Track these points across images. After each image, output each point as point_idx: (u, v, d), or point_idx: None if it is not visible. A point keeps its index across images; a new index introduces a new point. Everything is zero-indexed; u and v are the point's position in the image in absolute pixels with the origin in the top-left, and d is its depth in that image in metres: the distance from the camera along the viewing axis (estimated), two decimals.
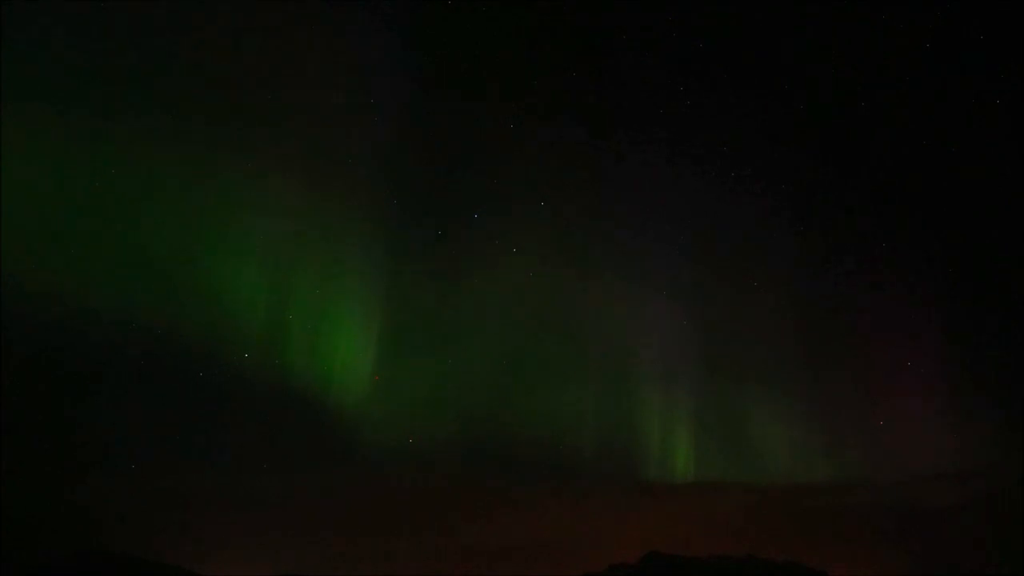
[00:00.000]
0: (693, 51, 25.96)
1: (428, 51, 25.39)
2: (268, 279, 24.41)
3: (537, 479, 24.87)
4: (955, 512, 23.62)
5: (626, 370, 26.00)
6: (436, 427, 24.83)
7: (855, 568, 22.70)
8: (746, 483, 25.45)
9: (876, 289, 26.16)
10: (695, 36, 25.84)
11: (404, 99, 25.23)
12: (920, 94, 25.41)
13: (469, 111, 25.60)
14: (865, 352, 26.06)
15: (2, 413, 21.25)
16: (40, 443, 21.76)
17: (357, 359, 24.82)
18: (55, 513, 21.32)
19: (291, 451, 23.75)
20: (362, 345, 24.88)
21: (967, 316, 25.19)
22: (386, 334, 25.09)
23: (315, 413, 24.21)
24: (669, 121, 26.10)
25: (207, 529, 22.17)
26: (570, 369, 25.85)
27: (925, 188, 25.86)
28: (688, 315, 26.12)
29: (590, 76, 25.92)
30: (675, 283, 26.15)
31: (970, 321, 25.15)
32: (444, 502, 24.30)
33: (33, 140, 22.17)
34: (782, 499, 25.13)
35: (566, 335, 25.94)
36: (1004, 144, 24.78)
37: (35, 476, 21.42)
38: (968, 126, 25.15)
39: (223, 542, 22.16)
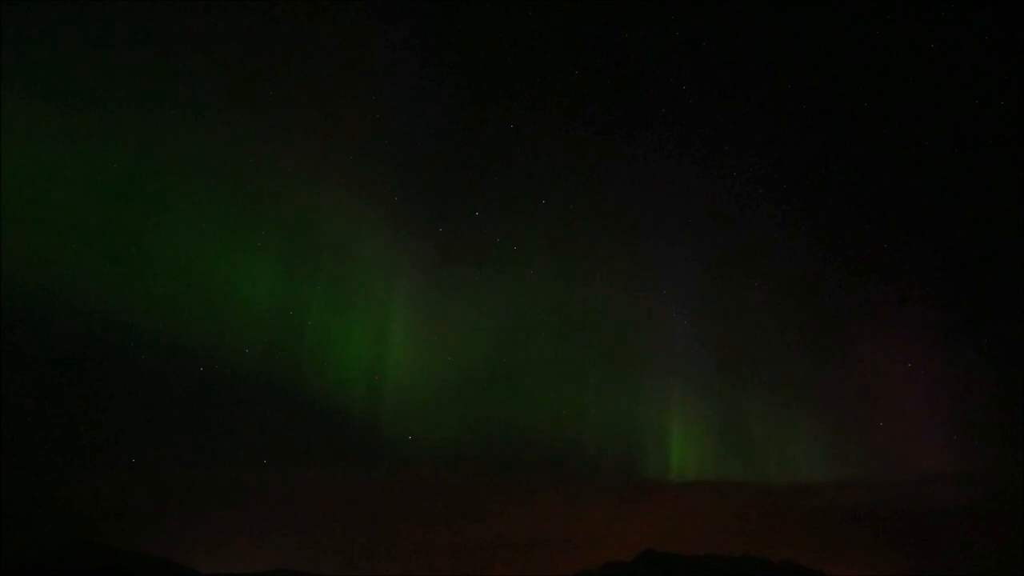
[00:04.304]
0: (698, 51, 26.05)
1: (432, 51, 25.56)
2: (270, 278, 24.54)
3: (537, 477, 24.92)
4: (955, 513, 23.52)
5: (627, 369, 26.04)
6: (436, 425, 24.87)
7: (853, 568, 22.63)
8: (745, 483, 25.44)
9: (878, 290, 26.10)
10: (700, 37, 25.92)
11: (407, 98, 25.39)
12: (924, 95, 25.37)
13: (471, 110, 25.75)
14: (866, 353, 26.01)
15: (2, 408, 21.41)
16: (39, 437, 21.92)
17: (358, 357, 24.90)
18: (53, 506, 21.46)
19: (290, 448, 23.83)
20: (363, 344, 25.01)
21: (968, 318, 25.14)
22: (387, 333, 25.21)
23: (315, 410, 24.29)
24: (673, 121, 26.17)
25: (203, 524, 22.24)
26: (571, 368, 25.89)
27: (927, 190, 25.87)
28: (689, 315, 26.14)
29: (594, 76, 26.00)
30: (677, 283, 26.17)
31: (971, 323, 25.12)
32: (443, 499, 24.35)
33: (34, 139, 22.39)
34: (782, 499, 25.09)
35: (567, 334, 25.99)
36: (1004, 145, 24.75)
37: (34, 470, 21.58)
38: (969, 127, 25.13)
39: (219, 537, 22.24)
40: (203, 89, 24.00)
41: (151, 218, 23.53)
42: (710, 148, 26.29)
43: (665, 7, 25.60)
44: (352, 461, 24.20)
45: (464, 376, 25.23)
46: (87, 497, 21.76)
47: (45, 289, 22.18)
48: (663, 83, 26.00)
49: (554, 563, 22.77)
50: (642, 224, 26.38)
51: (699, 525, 24.07)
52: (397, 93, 25.32)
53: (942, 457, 24.62)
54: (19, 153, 22.22)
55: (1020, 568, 21.67)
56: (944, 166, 25.44)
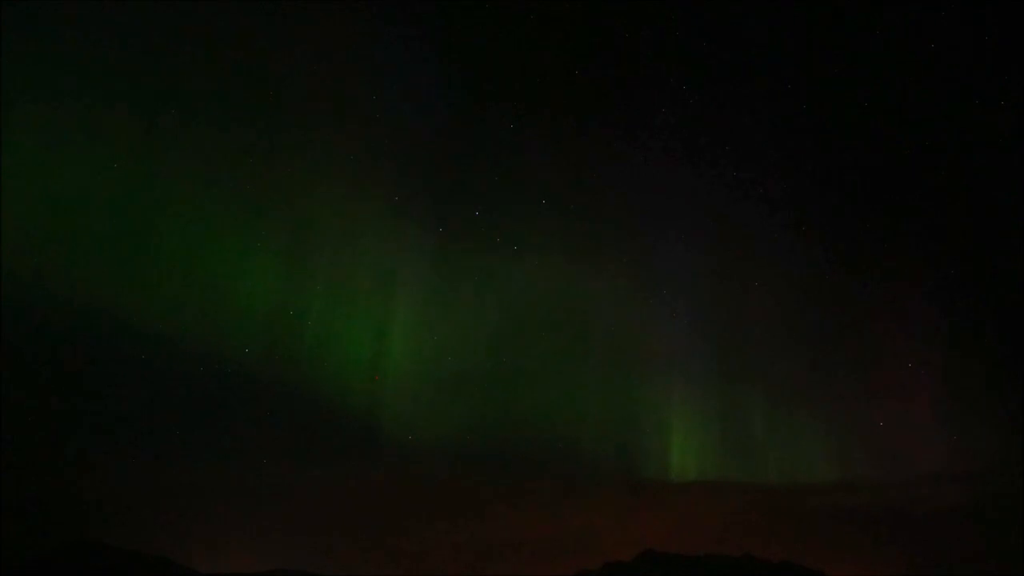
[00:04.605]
0: (697, 51, 26.03)
1: (433, 51, 25.57)
2: (270, 278, 24.55)
3: (536, 477, 24.89)
4: (955, 513, 23.52)
5: (627, 369, 26.03)
6: (436, 425, 24.88)
7: (853, 568, 22.59)
8: (746, 483, 25.42)
9: (878, 290, 26.09)
10: (699, 37, 25.90)
11: (406, 99, 25.40)
12: (924, 94, 25.35)
13: (471, 110, 25.77)
14: (866, 353, 26.00)
15: (3, 407, 21.42)
16: (39, 437, 21.92)
17: (358, 357, 24.91)
18: (53, 506, 21.46)
19: (290, 448, 23.84)
20: (363, 343, 25.01)
21: (967, 318, 25.12)
22: (387, 332, 25.22)
23: (315, 410, 24.31)
24: (673, 120, 26.13)
25: (203, 524, 22.28)
26: (571, 368, 25.88)
27: (927, 190, 25.83)
28: (690, 315, 26.11)
29: (594, 75, 26.00)
30: (677, 283, 26.15)
31: (970, 322, 25.09)
32: (442, 499, 24.37)
33: (34, 139, 22.42)
34: (782, 499, 25.07)
35: (567, 334, 25.99)
36: (1004, 145, 24.74)
37: (34, 470, 21.58)
38: (969, 127, 25.11)
39: (219, 537, 22.26)
40: (203, 89, 24.04)
41: (151, 218, 23.58)
42: (710, 148, 26.29)
43: (665, 7, 25.66)
44: (352, 461, 24.21)
45: (464, 376, 25.26)
46: (87, 497, 21.79)
47: (45, 289, 22.22)
48: (663, 83, 26.01)
49: (554, 563, 22.82)
50: (642, 224, 26.42)
51: (699, 525, 24.09)
52: (397, 93, 25.32)
53: (942, 457, 24.65)
54: (19, 153, 22.24)
55: (1020, 568, 21.68)
56: (945, 167, 25.48)
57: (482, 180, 25.81)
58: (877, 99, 25.65)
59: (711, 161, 26.21)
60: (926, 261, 25.62)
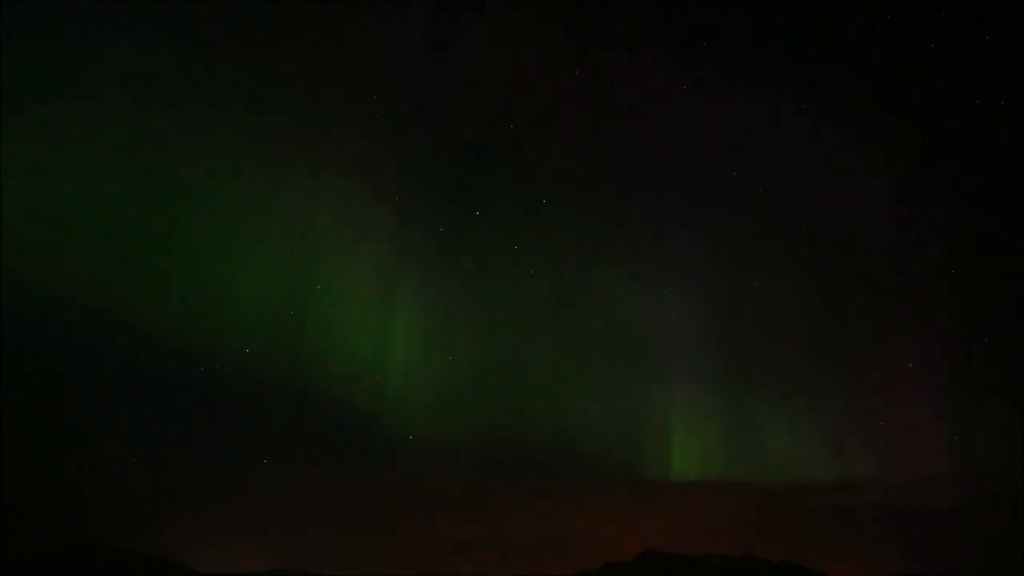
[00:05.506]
0: (696, 50, 26.04)
1: (431, 53, 25.58)
2: (270, 278, 24.54)
3: (537, 477, 24.91)
4: (955, 512, 23.52)
5: (627, 369, 26.02)
6: (436, 425, 24.87)
7: (853, 568, 22.62)
8: (745, 483, 25.40)
9: (879, 290, 26.09)
10: (698, 35, 25.92)
11: (407, 99, 25.42)
12: (926, 93, 25.37)
13: (470, 110, 25.76)
14: (867, 353, 26.00)
15: (2, 408, 21.43)
16: (39, 437, 21.93)
17: (358, 357, 24.90)
18: (53, 506, 21.47)
19: (290, 447, 23.85)
20: (363, 343, 25.01)
21: (968, 317, 25.10)
22: (387, 332, 25.21)
23: (315, 410, 24.30)
24: (673, 118, 26.16)
25: (203, 524, 22.27)
26: (571, 368, 25.88)
27: (928, 189, 25.87)
28: (691, 315, 26.08)
29: (594, 76, 25.99)
30: (678, 283, 26.16)
31: (971, 322, 25.07)
32: (443, 499, 24.35)
33: (34, 139, 22.41)
34: (782, 499, 25.08)
35: (568, 334, 25.99)
36: (1006, 145, 24.73)
37: (34, 470, 21.58)
38: (971, 127, 25.13)
39: (219, 537, 22.26)
40: (203, 89, 24.04)
41: (151, 218, 23.58)
42: (711, 147, 26.33)
43: (665, 7, 25.67)
44: (352, 461, 24.20)
45: (464, 376, 25.26)
46: (87, 497, 21.80)
47: (45, 289, 22.23)
48: (665, 80, 26.01)
49: (554, 563, 22.82)
50: (643, 223, 26.41)
51: (699, 525, 24.07)
52: (398, 92, 25.35)
53: (942, 457, 24.65)
54: (19, 153, 22.24)
55: (1020, 568, 21.69)
56: (945, 166, 25.49)
57: (482, 180, 25.85)
58: (877, 99, 25.68)
59: (712, 160, 26.24)
60: (927, 261, 25.69)
